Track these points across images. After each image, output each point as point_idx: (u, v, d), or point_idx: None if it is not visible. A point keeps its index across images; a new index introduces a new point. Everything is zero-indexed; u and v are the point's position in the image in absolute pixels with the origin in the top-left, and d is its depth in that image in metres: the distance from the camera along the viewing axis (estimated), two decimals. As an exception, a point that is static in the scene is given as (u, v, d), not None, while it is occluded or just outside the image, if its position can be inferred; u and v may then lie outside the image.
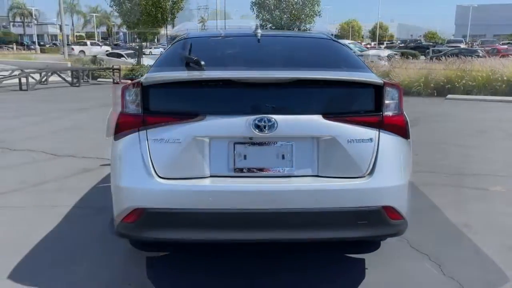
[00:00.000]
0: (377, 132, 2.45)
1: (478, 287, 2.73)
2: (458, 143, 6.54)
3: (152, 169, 2.36)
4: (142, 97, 2.40)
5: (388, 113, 2.49)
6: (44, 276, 2.81)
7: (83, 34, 78.96)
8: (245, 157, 2.41)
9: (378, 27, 68.54)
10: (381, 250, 3.12)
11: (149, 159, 2.36)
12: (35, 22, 69.34)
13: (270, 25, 19.34)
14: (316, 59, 3.11)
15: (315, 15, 19.25)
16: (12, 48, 47.65)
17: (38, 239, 3.28)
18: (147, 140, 2.38)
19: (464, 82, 12.16)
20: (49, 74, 15.39)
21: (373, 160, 2.43)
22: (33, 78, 14.18)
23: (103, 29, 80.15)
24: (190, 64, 2.62)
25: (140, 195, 2.36)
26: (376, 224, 2.44)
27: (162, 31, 30.75)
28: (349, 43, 21.76)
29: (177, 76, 2.57)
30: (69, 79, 15.56)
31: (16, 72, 14.50)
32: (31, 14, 70.94)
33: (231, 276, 2.85)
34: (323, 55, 3.17)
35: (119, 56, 25.16)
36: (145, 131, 2.39)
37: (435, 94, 12.31)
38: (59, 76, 15.53)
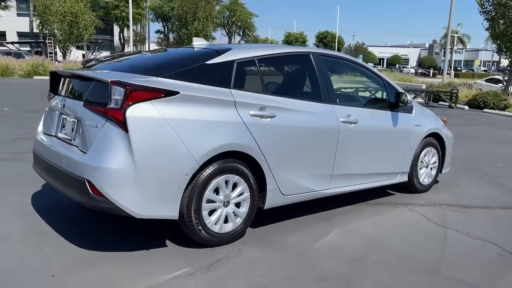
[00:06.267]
0: (105, 121, 2.94)
1: None
2: None
3: (41, 126, 3.79)
4: (50, 80, 3.80)
5: (111, 106, 2.92)
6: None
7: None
8: (64, 126, 3.42)
9: None
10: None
11: (42, 120, 3.79)
12: (460, 48, 71.33)
13: None
14: (155, 64, 3.59)
15: None
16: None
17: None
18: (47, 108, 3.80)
19: None
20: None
21: (94, 142, 2.97)
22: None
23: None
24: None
25: (34, 141, 3.77)
26: (82, 193, 2.93)
27: None
28: None
29: (54, 70, 3.83)
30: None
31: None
32: (461, 41, 73.57)
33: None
34: (167, 61, 3.64)
35: (498, 82, 23.02)
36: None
37: None
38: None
